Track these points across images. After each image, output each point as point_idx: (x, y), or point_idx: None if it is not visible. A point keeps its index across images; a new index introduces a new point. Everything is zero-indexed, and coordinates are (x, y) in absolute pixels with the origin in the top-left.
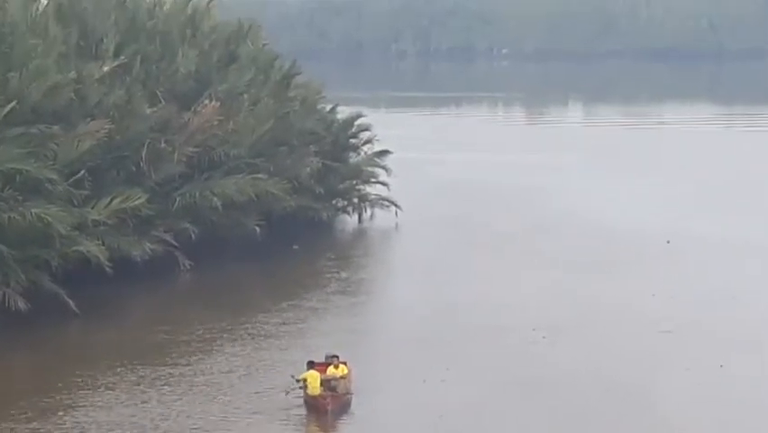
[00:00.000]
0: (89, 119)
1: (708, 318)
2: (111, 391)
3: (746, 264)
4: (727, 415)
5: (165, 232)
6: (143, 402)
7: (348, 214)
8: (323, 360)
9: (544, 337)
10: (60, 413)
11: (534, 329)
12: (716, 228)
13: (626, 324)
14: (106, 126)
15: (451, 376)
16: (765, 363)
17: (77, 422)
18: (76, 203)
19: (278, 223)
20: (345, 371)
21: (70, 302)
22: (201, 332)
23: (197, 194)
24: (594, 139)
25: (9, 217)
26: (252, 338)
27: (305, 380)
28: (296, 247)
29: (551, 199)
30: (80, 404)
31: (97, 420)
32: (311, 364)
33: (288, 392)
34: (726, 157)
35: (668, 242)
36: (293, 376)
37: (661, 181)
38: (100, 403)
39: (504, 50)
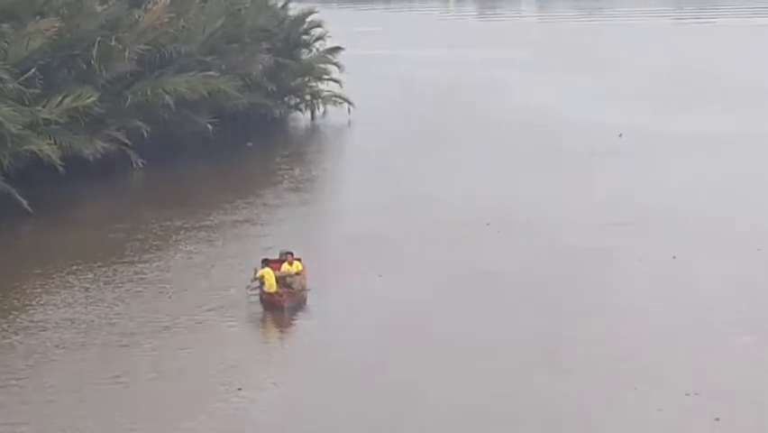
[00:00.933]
0: (39, 17)
1: (660, 211)
2: (66, 290)
3: (698, 156)
4: (678, 305)
5: (117, 130)
6: (99, 300)
7: (300, 111)
8: (277, 257)
9: (498, 232)
10: (15, 312)
11: (488, 223)
12: (668, 121)
13: (578, 217)
14: (56, 24)
15: (406, 271)
16: (716, 254)
17: (32, 321)
18: (27, 102)
19: (230, 120)
20: (300, 267)
21: (23, 201)
22: (156, 230)
23: (149, 92)
24: (547, 34)
25: None
26: (207, 235)
27: (261, 277)
28: (250, 144)
29: (503, 95)
30: (35, 303)
31: (53, 319)
32: (266, 262)
33: (248, 286)
34: (678, 51)
35: (620, 135)
36: (255, 270)
37: (613, 75)
38: (55, 301)
39: None
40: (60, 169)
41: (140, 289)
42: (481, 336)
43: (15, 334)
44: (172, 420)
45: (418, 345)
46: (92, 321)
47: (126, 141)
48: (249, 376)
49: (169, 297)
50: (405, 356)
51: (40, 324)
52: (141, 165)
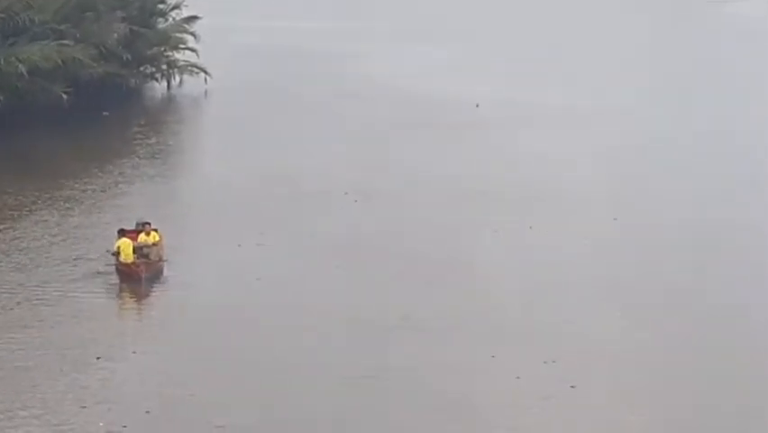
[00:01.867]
0: None
1: (517, 181)
2: None
3: (554, 128)
4: (535, 274)
5: None
6: None
7: (156, 80)
8: (133, 227)
9: (355, 201)
10: None
11: (346, 193)
12: (526, 92)
13: (436, 188)
14: None
15: (266, 241)
16: (573, 224)
17: None
18: None
19: (85, 90)
20: (157, 238)
21: None
22: (10, 200)
23: (2, 60)
24: (406, 5)
25: None
26: (63, 205)
27: (118, 248)
28: (106, 113)
29: (361, 66)
30: None
31: None
32: (122, 233)
33: (109, 251)
34: (536, 22)
35: (477, 106)
36: (108, 251)
37: (472, 46)
38: None
39: None
40: None
41: None
42: (338, 302)
43: None
44: (31, 390)
45: (276, 313)
46: None
47: None
48: (107, 346)
49: (25, 268)
50: (262, 324)
51: None
52: None
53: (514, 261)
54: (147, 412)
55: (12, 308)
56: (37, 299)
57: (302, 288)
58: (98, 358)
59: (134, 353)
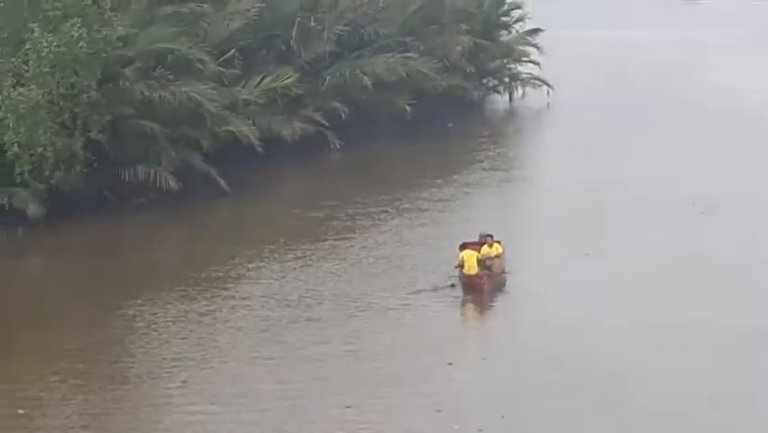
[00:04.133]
0: None
1: None
2: (266, 267)
3: None
4: None
5: (315, 111)
6: (300, 279)
7: (498, 93)
8: (476, 239)
9: (702, 213)
10: (216, 288)
11: (693, 204)
12: None
13: None
14: (257, 5)
15: (611, 252)
16: None
17: (233, 297)
18: (226, 82)
19: (427, 102)
20: (500, 250)
21: (221, 181)
22: (355, 209)
23: (347, 73)
24: (748, 15)
25: (160, 96)
26: (408, 215)
27: (462, 260)
28: (450, 125)
29: (702, 76)
30: (234, 279)
31: (255, 295)
32: (464, 246)
33: (437, 288)
34: None
35: None
36: (451, 279)
37: None
38: (257, 278)
39: None
40: (258, 149)
41: (338, 267)
42: (687, 313)
43: (220, 310)
44: (383, 394)
45: (626, 325)
46: (294, 299)
47: (324, 122)
48: (456, 353)
49: (369, 275)
50: (610, 335)
51: (243, 301)
52: (338, 146)
53: None
54: (502, 417)
55: (358, 315)
56: (382, 307)
57: (650, 299)
58: (450, 364)
59: (484, 359)
